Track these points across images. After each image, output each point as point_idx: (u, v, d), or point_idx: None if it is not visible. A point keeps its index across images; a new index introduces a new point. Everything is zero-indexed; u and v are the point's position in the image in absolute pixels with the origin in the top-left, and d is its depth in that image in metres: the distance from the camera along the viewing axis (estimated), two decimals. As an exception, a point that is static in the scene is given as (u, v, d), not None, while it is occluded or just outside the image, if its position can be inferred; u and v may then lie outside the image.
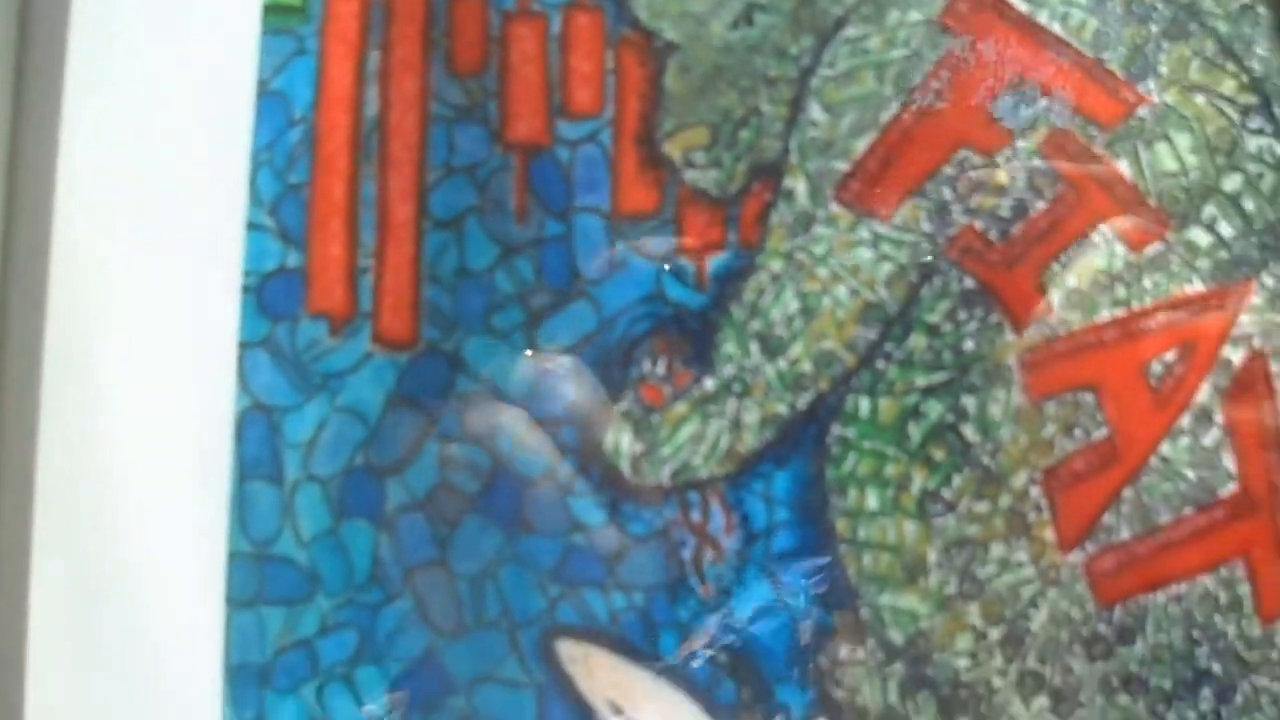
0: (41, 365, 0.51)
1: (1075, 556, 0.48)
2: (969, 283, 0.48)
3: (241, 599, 0.50)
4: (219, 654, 0.50)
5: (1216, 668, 0.48)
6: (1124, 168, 0.49)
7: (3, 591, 0.51)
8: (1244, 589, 0.48)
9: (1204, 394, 0.48)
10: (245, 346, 0.50)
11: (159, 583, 0.51)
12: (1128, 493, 0.48)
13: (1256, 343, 0.48)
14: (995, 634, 0.48)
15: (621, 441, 0.48)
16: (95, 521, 0.51)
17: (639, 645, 0.49)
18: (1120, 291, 0.48)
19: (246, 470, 0.50)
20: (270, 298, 0.50)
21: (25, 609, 0.52)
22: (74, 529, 0.51)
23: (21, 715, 0.52)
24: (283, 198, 0.50)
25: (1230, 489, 0.48)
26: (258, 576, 0.50)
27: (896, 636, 0.48)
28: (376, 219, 0.49)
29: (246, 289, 0.50)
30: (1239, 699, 0.48)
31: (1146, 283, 0.48)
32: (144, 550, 0.51)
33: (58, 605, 0.51)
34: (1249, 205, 0.48)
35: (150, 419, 0.51)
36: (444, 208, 0.49)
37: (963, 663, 0.48)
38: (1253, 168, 0.49)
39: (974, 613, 0.48)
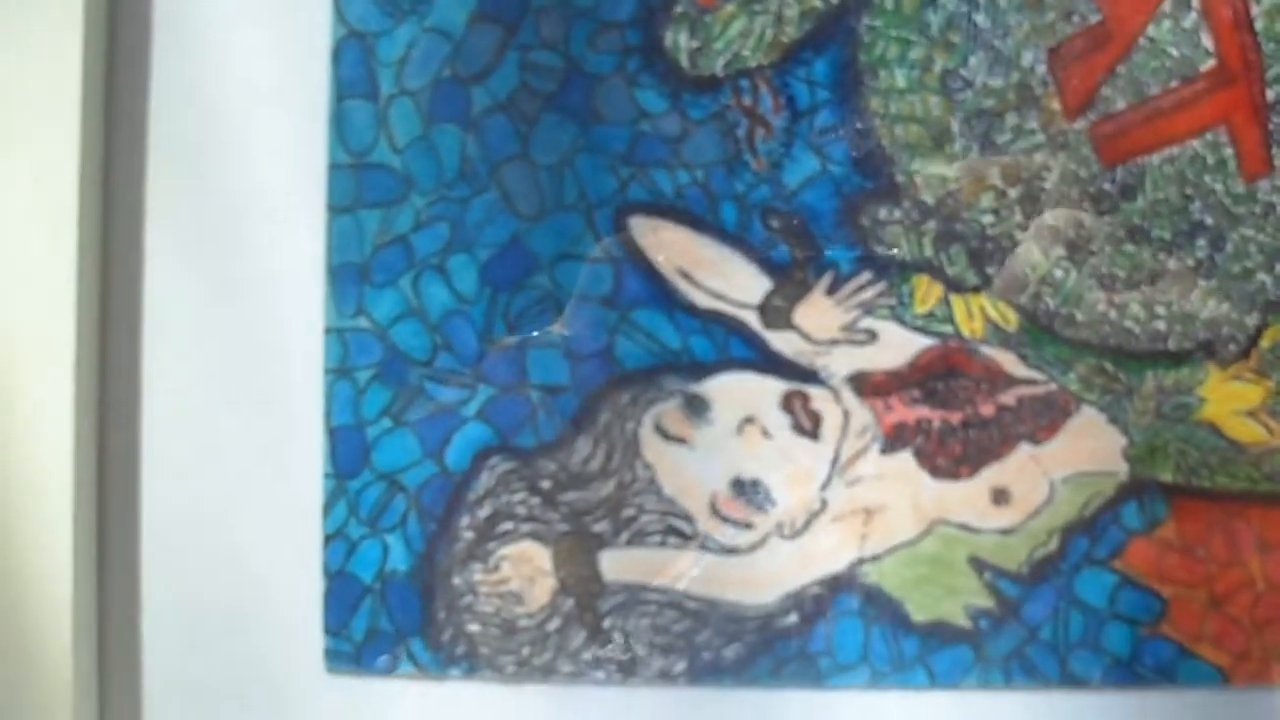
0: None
1: (1080, 124, 0.55)
2: (973, -109, 0.55)
3: (341, 205, 0.56)
4: (322, 256, 0.56)
5: (1209, 220, 0.55)
6: None
7: (123, 208, 0.57)
8: (1228, 152, 0.55)
9: (1181, -18, 0.55)
10: (340, -18, 0.56)
11: (266, 195, 0.57)
12: (1121, 69, 0.55)
13: (1223, -60, 0.55)
14: (1014, 193, 0.55)
15: (680, 38, 0.55)
16: (207, 144, 0.57)
17: (703, 216, 0.55)
18: (1103, -101, 0.55)
19: (344, 90, 0.56)
20: (361, -62, 0.56)
21: (141, 220, 0.57)
22: (187, 154, 0.57)
23: (139, 316, 0.57)
24: None
25: (1210, 64, 0.55)
26: (355, 184, 0.56)
27: (928, 198, 0.55)
28: None
29: (339, -67, 0.56)
30: (1230, 247, 0.55)
31: (1125, -108, 0.55)
32: (251, 167, 0.57)
33: (173, 219, 0.57)
34: None
35: (256, 49, 0.57)
36: None
37: (987, 219, 0.55)
38: None
39: (995, 174, 0.55)
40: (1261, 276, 0.55)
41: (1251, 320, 0.55)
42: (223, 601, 0.57)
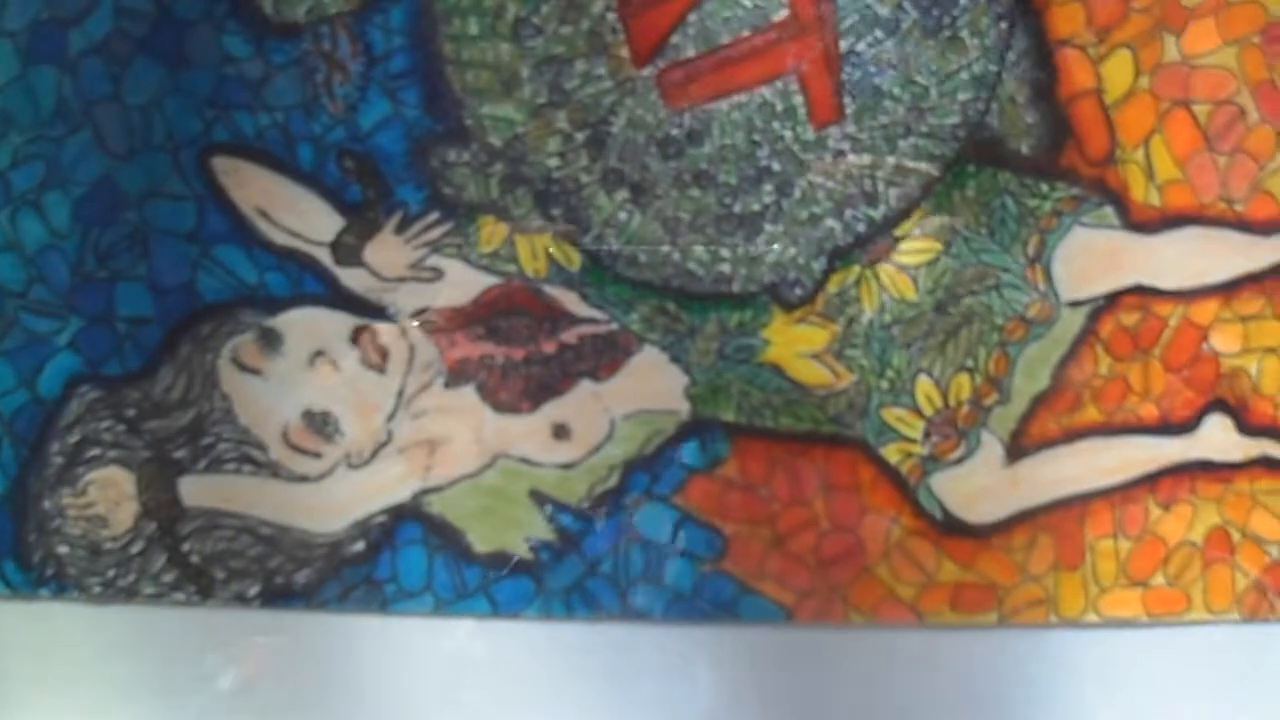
0: None
1: (648, 71, 0.56)
2: None
3: (-60, 146, 0.58)
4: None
5: (776, 166, 0.56)
6: None
7: None
8: (798, 99, 0.56)
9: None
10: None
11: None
12: (693, 17, 0.56)
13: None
14: (581, 137, 0.56)
15: (263, -16, 0.57)
16: None
17: (281, 157, 0.57)
18: None
19: (-51, 32, 0.58)
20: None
21: None
22: None
23: None
24: None
25: (782, 14, 0.56)
26: (-45, 121, 0.58)
27: (496, 141, 0.56)
28: None
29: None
30: (798, 193, 0.56)
31: None
32: None
33: None
34: None
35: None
36: None
37: (554, 162, 0.56)
38: None
39: (562, 119, 0.56)
40: (830, 222, 0.56)
41: (818, 265, 0.56)
42: None
